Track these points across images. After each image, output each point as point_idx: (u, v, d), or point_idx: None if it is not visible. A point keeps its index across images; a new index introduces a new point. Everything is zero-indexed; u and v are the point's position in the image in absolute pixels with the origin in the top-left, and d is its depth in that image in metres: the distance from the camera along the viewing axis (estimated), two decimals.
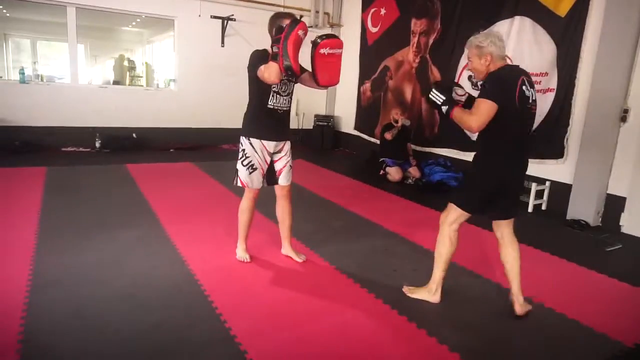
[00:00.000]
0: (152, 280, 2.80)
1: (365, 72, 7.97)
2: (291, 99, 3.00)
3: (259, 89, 2.85)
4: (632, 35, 4.25)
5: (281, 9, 8.09)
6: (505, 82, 2.36)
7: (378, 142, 7.61)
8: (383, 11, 7.44)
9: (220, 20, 7.56)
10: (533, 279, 3.19)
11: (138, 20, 9.45)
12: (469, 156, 5.99)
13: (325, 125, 8.58)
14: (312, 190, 5.38)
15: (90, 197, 4.51)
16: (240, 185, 3.00)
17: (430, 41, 6.56)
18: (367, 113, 7.98)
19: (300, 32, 2.49)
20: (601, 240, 4.16)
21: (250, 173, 2.95)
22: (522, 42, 5.24)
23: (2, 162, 5.74)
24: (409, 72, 6.99)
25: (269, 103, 2.88)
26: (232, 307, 2.53)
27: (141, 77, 11.19)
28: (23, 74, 6.67)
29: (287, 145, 3.09)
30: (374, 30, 7.69)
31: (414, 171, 6.11)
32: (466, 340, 2.34)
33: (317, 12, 8.30)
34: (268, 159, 3.00)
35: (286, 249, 3.30)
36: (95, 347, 2.10)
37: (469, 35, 5.84)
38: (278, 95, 2.90)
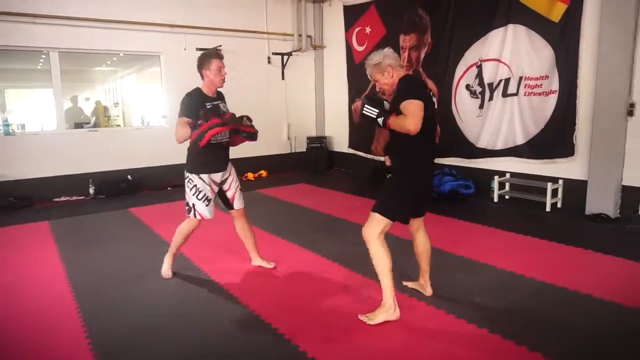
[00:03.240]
0: (225, 329, 2.65)
1: (355, 90, 8.03)
2: None
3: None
4: (629, 33, 4.46)
5: (265, 35, 8.11)
6: (419, 83, 2.66)
7: (375, 158, 7.67)
8: (368, 29, 7.55)
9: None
10: (578, 275, 3.23)
11: (114, 58, 9.23)
12: (474, 163, 6.13)
13: (319, 146, 8.56)
14: (328, 213, 5.33)
15: (111, 248, 4.25)
16: (199, 218, 3.21)
17: (422, 55, 6.68)
18: (361, 130, 8.00)
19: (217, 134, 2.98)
20: (631, 230, 4.29)
21: (207, 205, 3.20)
22: (518, 49, 5.41)
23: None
24: None
25: (212, 139, 3.01)
26: (320, 345, 2.41)
27: (118, 116, 10.88)
28: (8, 125, 6.33)
29: (232, 171, 3.37)
30: (360, 48, 7.79)
31: None
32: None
33: (299, 35, 8.33)
34: (216, 189, 3.27)
35: (257, 260, 3.61)
36: None
37: (463, 46, 6.10)
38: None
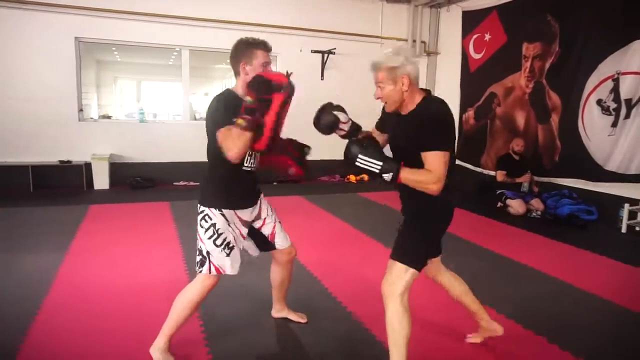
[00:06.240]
0: (316, 326, 2.69)
1: (467, 99, 7.69)
2: None
3: None
4: None
5: (378, 40, 8.12)
6: (450, 119, 1.98)
7: (484, 172, 7.28)
8: (487, 37, 7.19)
9: (320, 55, 7.68)
10: None
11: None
12: (599, 187, 5.53)
13: None
14: None
15: None
16: (215, 273, 2.19)
17: (547, 65, 6.19)
18: (470, 142, 7.64)
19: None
20: None
21: (227, 255, 2.20)
22: None
23: (129, 197, 6.12)
24: (521, 98, 6.63)
25: (246, 164, 2.18)
26: None
27: None
28: (143, 113, 7.10)
29: (263, 204, 2.42)
30: (477, 56, 7.44)
31: (537, 204, 5.69)
32: None
33: (414, 41, 8.21)
34: (245, 232, 2.31)
35: (282, 312, 2.75)
36: None
37: (597, 57, 5.52)
38: (255, 153, 2.21)
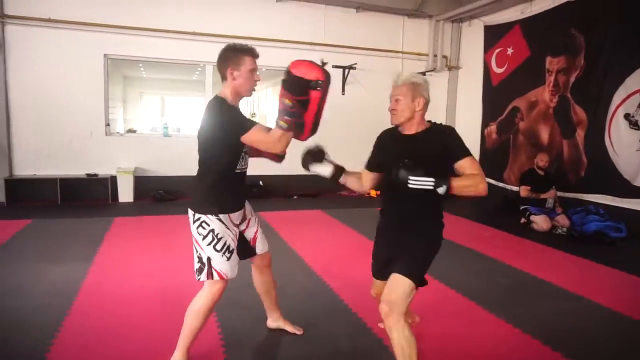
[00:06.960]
0: (340, 345, 2.67)
1: (489, 114, 7.63)
2: None
3: (230, 153, 2.20)
4: None
5: (399, 55, 8.15)
6: None
7: (506, 187, 7.18)
8: (510, 51, 7.15)
9: (341, 70, 7.75)
10: None
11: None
12: (628, 203, 5.38)
13: None
14: (455, 241, 5.07)
15: None
16: (218, 279, 2.21)
17: (572, 79, 6.11)
18: (493, 156, 7.56)
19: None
20: None
21: (228, 259, 2.22)
22: None
23: (152, 209, 6.23)
24: (545, 113, 6.55)
25: (238, 167, 2.24)
26: None
27: None
28: (167, 128, 7.26)
29: (247, 205, 2.45)
30: (499, 70, 7.39)
31: (562, 220, 5.56)
32: None
33: (435, 55, 8.22)
34: (237, 234, 2.33)
35: (278, 321, 2.73)
36: None
37: (625, 70, 5.43)
38: (246, 155, 2.29)
